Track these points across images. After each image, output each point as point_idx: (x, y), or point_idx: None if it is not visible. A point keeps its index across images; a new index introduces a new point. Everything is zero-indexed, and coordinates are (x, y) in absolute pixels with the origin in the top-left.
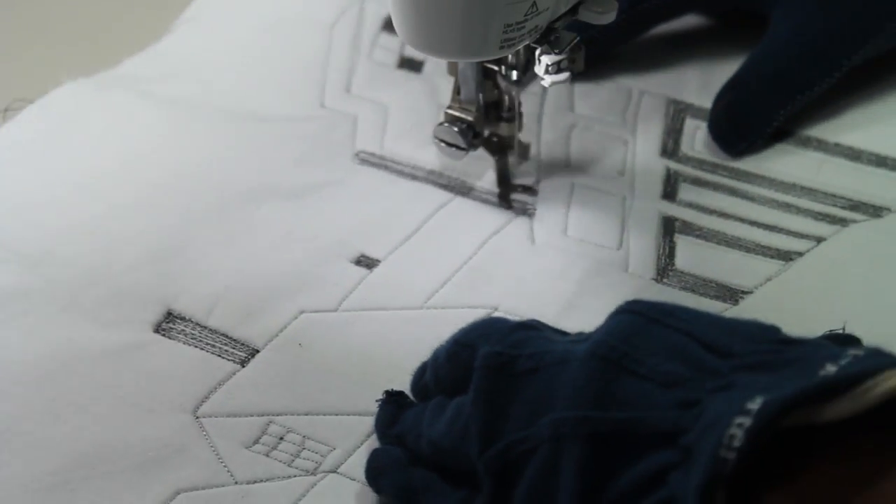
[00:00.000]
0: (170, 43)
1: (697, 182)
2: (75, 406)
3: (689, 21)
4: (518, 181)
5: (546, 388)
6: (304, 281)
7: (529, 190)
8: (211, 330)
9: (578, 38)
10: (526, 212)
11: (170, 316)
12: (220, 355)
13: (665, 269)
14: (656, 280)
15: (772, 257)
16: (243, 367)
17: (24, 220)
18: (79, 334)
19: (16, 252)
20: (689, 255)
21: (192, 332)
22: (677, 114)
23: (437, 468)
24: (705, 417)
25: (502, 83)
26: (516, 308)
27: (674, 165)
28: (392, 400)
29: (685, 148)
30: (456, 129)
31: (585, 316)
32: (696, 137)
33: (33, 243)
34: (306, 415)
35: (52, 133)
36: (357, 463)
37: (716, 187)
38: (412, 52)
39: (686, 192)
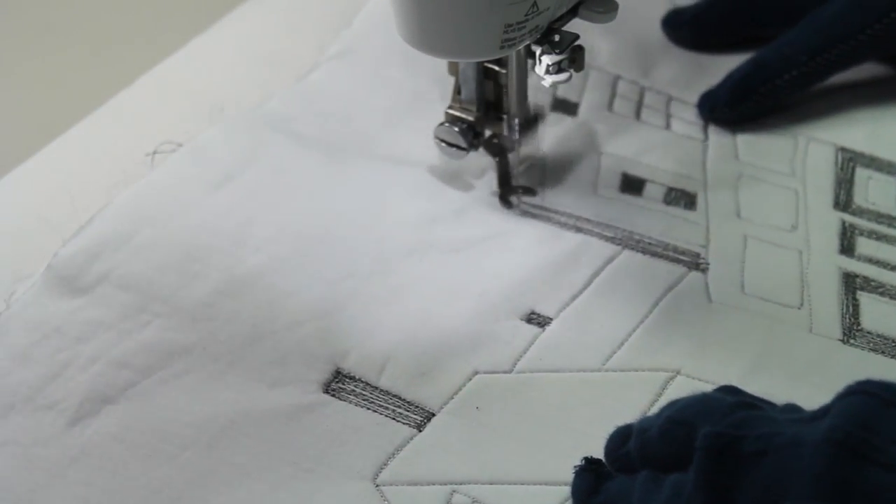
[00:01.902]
0: (316, 80)
1: (875, 235)
2: (248, 471)
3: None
4: (519, 183)
5: (777, 474)
6: (474, 339)
7: (530, 191)
8: (382, 391)
9: (578, 39)
10: (699, 267)
11: (339, 375)
12: (394, 418)
13: (851, 329)
14: (843, 341)
15: None
16: (420, 431)
17: (181, 272)
18: (245, 394)
19: (174, 307)
20: (875, 313)
21: (363, 392)
22: (846, 162)
23: None
24: None
25: (503, 135)
26: (699, 372)
27: (849, 218)
28: (591, 468)
29: (858, 199)
30: (456, 129)
31: (772, 379)
32: (869, 188)
33: (192, 297)
34: (491, 483)
35: (204, 179)
36: None
37: (894, 241)
38: (566, 94)
39: (864, 247)
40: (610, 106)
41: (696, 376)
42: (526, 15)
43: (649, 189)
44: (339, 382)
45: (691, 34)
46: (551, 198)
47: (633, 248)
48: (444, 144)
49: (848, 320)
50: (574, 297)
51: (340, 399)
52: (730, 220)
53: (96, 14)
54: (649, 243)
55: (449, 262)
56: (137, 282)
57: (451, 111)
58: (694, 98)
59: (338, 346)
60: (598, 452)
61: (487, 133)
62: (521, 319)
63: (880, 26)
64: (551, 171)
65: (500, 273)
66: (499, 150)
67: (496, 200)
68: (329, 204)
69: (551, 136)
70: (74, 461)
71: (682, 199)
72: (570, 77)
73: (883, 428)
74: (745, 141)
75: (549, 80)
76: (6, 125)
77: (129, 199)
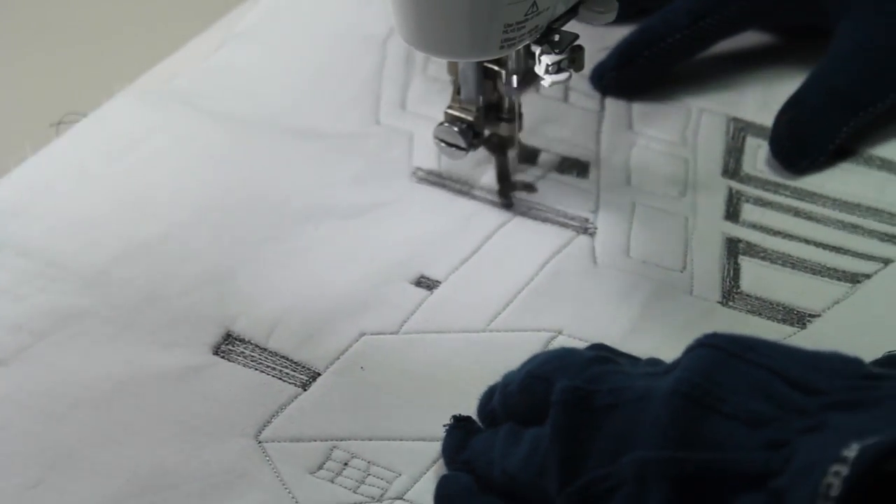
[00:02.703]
0: (222, 57)
1: (760, 202)
2: (135, 430)
3: (748, 37)
4: (518, 179)
5: (627, 425)
6: (364, 302)
7: (529, 187)
8: (271, 352)
9: (578, 38)
10: (587, 231)
11: (229, 338)
12: (280, 378)
13: (730, 292)
14: (722, 303)
15: (839, 279)
16: (305, 390)
17: (78, 239)
18: (137, 356)
19: (71, 272)
20: (755, 277)
21: (252, 354)
22: (737, 132)
23: (508, 497)
24: (797, 462)
25: (502, 88)
26: (580, 332)
27: (736, 185)
28: (460, 425)
29: (747, 167)
30: (456, 129)
31: (651, 340)
32: (758, 156)
33: (89, 263)
34: (370, 440)
35: (106, 149)
36: (423, 490)
37: (779, 208)
38: None
39: (749, 213)
40: None
41: (577, 336)
42: (526, 15)
43: (544, 158)
44: (228, 345)
45: None
46: (448, 165)
47: (524, 215)
48: (443, 144)
49: (728, 283)
50: (463, 262)
51: (229, 360)
52: (620, 187)
53: (96, 14)
54: (540, 210)
55: (344, 228)
56: (35, 248)
57: (450, 111)
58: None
59: (229, 309)
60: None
61: (487, 133)
62: (411, 283)
63: None
64: None
65: (393, 238)
66: (498, 148)
67: (393, 168)
68: (229, 173)
69: None
70: None
71: (574, 167)
72: (570, 77)
73: (727, 379)
74: (639, 112)
75: (548, 80)
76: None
77: (31, 167)
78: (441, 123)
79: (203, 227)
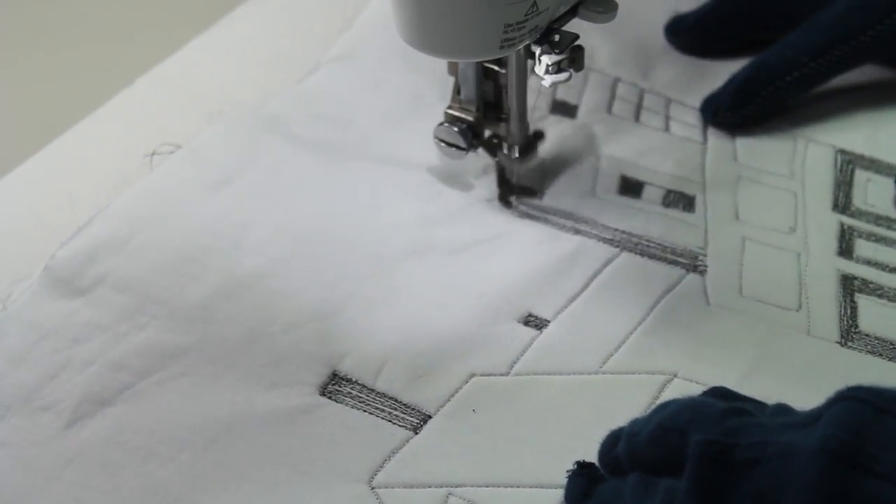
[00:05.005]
0: (316, 82)
1: (874, 238)
2: (243, 474)
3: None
4: (518, 183)
5: (771, 483)
6: (472, 342)
7: (529, 191)
8: (379, 393)
9: (578, 39)
10: (697, 268)
11: (335, 378)
12: (390, 420)
13: (849, 331)
14: (841, 344)
15: None
16: (416, 433)
17: (177, 275)
18: (241, 396)
19: (171, 309)
20: (873, 316)
21: (360, 395)
22: (846, 165)
23: None
24: None
25: (505, 163)
26: (696, 375)
27: (847, 220)
28: (584, 472)
29: (857, 201)
30: (456, 129)
31: (769, 382)
32: (868, 190)
33: (189, 299)
34: (486, 486)
35: (201, 181)
36: None
37: (893, 243)
38: (565, 96)
39: (863, 249)
40: (609, 108)
41: (693, 379)
42: (526, 15)
43: (648, 191)
44: (335, 385)
45: (694, 40)
46: (550, 199)
47: (631, 251)
48: (443, 144)
49: (846, 322)
50: (571, 300)
51: (337, 401)
52: (728, 222)
53: (96, 14)
54: (647, 245)
55: (447, 263)
56: (134, 284)
57: (450, 111)
58: (693, 100)
59: (335, 348)
60: (594, 455)
61: (487, 133)
62: (519, 322)
63: (882, 27)
64: (550, 173)
65: (498, 275)
66: (498, 151)
67: (495, 202)
68: (327, 205)
69: (551, 138)
70: (70, 463)
71: (680, 201)
72: (570, 77)
73: (876, 436)
74: (743, 143)
75: (548, 80)
76: (6, 125)
77: (128, 200)
78: (441, 123)
79: (303, 262)
